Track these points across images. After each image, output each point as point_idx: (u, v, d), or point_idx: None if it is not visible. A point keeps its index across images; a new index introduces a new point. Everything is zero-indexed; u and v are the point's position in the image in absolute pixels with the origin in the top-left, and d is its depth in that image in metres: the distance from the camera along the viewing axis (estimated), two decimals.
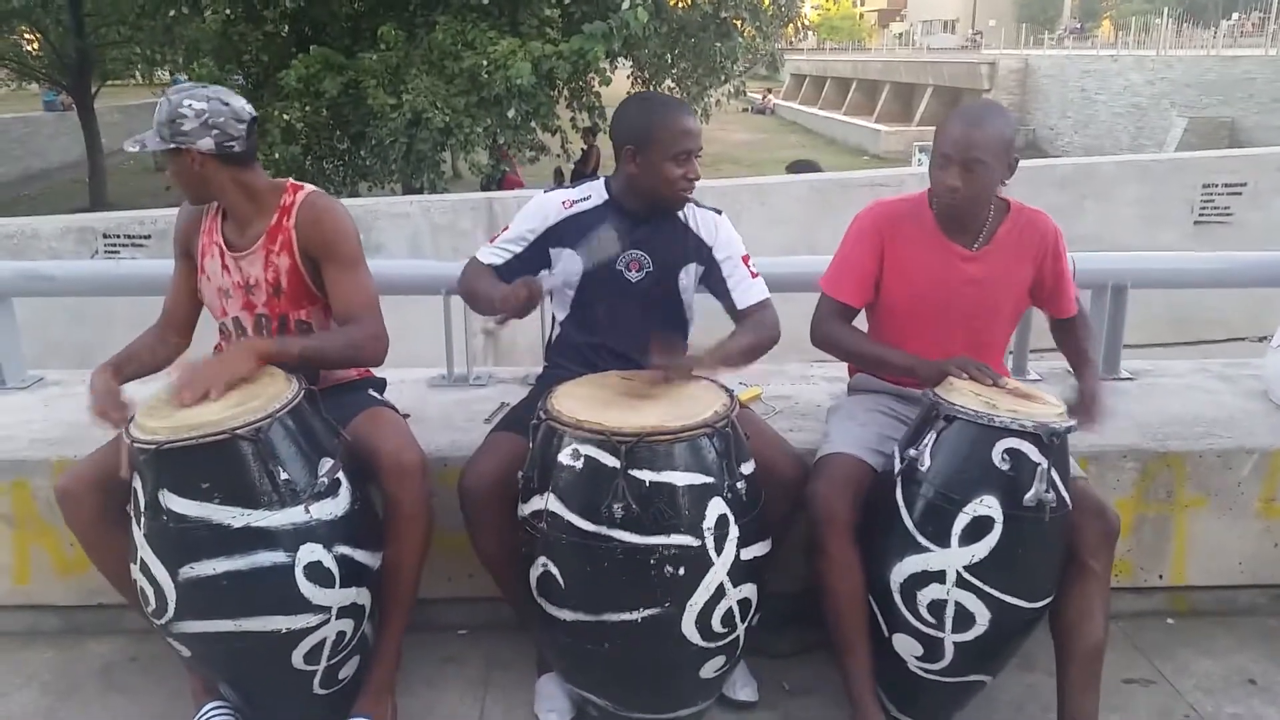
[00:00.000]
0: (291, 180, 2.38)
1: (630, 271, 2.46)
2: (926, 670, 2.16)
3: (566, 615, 2.09)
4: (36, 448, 2.68)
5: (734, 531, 2.05)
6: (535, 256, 2.50)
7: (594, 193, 2.51)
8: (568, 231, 2.47)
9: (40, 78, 21.80)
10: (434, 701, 2.42)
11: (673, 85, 16.31)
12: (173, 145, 2.19)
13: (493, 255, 2.51)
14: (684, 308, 2.55)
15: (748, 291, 2.50)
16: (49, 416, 2.93)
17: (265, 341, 2.20)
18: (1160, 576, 2.74)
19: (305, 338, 2.29)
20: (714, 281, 2.52)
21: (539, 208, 2.50)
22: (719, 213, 2.56)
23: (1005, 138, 2.30)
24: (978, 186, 2.28)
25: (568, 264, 2.46)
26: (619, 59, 14.19)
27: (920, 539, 2.08)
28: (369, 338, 2.26)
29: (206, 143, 2.20)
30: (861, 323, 2.61)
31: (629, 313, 2.47)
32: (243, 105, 2.25)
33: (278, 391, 2.08)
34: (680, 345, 2.42)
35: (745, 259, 2.52)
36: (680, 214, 2.50)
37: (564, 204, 2.49)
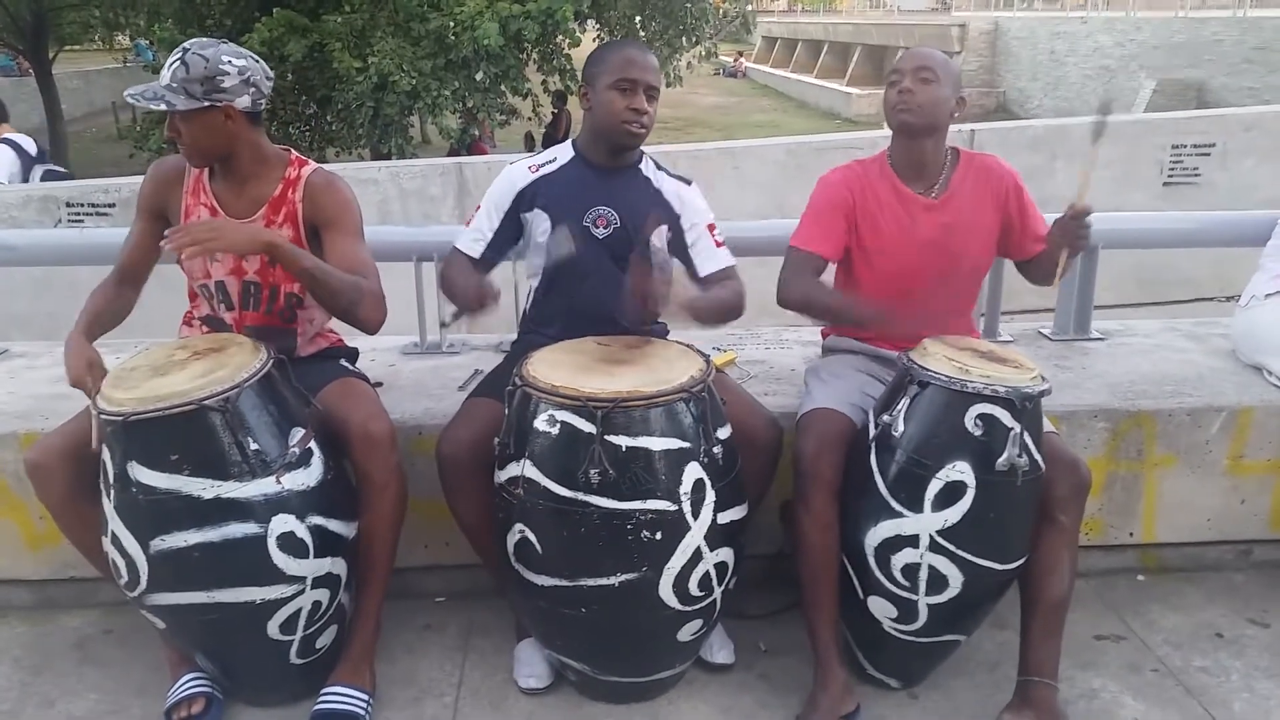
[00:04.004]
0: (295, 153, 2.35)
1: (597, 228, 2.44)
2: (901, 631, 2.19)
3: (544, 581, 2.09)
4: (3, 421, 2.63)
5: (710, 496, 2.05)
6: (508, 229, 2.49)
7: (560, 154, 2.51)
8: (537, 193, 2.46)
9: None
10: (413, 669, 2.42)
11: None
12: (207, 103, 2.12)
13: (470, 243, 2.50)
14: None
15: (711, 258, 2.48)
16: (15, 389, 2.88)
17: (283, 243, 2.11)
18: (1130, 534, 2.78)
19: (318, 261, 2.20)
20: (678, 249, 2.50)
21: (507, 178, 2.49)
22: (688, 183, 2.54)
23: (953, 67, 2.38)
24: (930, 98, 2.31)
25: (537, 225, 2.45)
26: (588, 20, 14.03)
27: (894, 504, 2.09)
28: (373, 293, 2.23)
29: (244, 100, 2.17)
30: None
31: (601, 270, 2.45)
32: (263, 63, 2.24)
33: (245, 361, 2.06)
34: (651, 293, 2.21)
35: (711, 227, 2.50)
36: (650, 178, 2.49)
37: (530, 169, 2.49)
